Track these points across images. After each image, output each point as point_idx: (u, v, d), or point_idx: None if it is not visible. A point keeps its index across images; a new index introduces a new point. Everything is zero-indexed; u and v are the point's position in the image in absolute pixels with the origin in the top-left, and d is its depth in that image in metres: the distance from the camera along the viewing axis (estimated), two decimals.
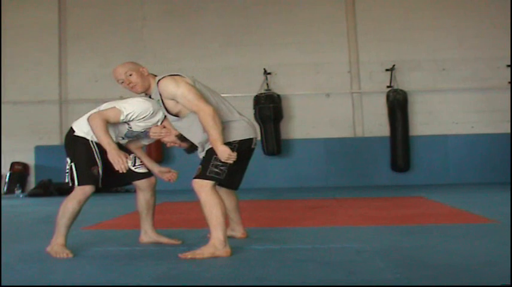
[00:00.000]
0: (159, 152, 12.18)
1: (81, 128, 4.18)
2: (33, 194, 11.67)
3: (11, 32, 13.66)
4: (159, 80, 4.08)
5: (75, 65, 13.58)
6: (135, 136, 4.38)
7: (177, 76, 4.09)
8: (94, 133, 4.04)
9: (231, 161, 3.89)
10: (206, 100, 3.97)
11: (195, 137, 4.20)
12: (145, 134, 4.36)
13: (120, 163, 3.90)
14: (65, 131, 4.31)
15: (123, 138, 4.32)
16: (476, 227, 5.20)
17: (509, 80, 12.43)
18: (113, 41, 13.36)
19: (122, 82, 4.19)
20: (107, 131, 4.01)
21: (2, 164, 13.27)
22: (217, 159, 3.96)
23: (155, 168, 4.62)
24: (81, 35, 13.60)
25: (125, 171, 3.98)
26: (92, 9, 13.70)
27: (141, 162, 4.40)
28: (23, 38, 13.65)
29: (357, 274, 3.23)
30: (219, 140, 3.86)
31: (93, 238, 4.88)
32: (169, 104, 4.07)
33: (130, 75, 4.15)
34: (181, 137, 4.29)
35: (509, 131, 12.24)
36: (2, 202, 10.36)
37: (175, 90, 3.98)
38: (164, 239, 4.47)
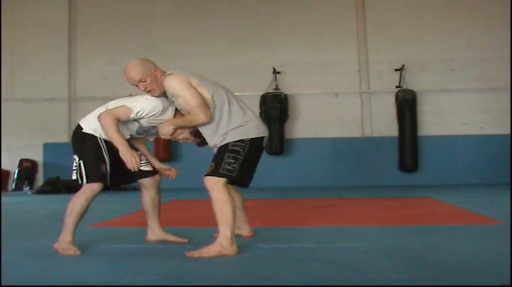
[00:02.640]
0: (167, 150, 12.22)
1: (89, 125, 4.18)
2: (41, 191, 11.71)
3: (21, 29, 13.75)
4: (166, 77, 4.09)
5: (84, 63, 13.64)
6: (145, 131, 4.38)
7: (183, 75, 4.09)
8: (105, 132, 4.05)
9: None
10: (207, 109, 4.00)
11: (213, 138, 4.17)
12: (155, 129, 4.36)
13: (132, 161, 3.90)
14: (74, 128, 4.31)
15: (131, 136, 4.32)
16: (484, 227, 5.18)
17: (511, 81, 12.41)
18: (122, 40, 13.39)
19: (137, 85, 4.18)
20: (119, 130, 4.01)
21: (11, 161, 13.32)
22: (229, 157, 3.96)
23: (156, 164, 4.60)
24: (91, 33, 13.66)
25: (136, 170, 3.99)
26: (102, 8, 13.76)
27: (146, 159, 4.41)
28: (32, 36, 13.74)
29: (363, 273, 3.23)
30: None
31: (100, 236, 4.90)
32: (179, 102, 4.09)
33: (145, 81, 4.11)
34: (195, 133, 4.27)
35: None
36: (10, 198, 10.42)
37: (177, 89, 4.02)
38: (171, 237, 4.48)
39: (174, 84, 4.03)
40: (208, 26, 13.34)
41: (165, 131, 4.10)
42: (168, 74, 4.11)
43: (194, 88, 4.01)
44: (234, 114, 4.09)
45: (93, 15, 13.78)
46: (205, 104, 4.00)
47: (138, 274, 3.31)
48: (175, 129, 4.13)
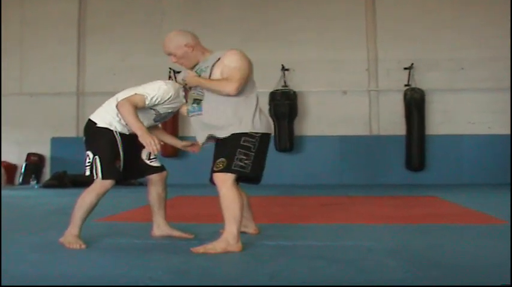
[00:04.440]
0: (174, 147, 12.20)
1: (103, 119, 4.19)
2: (47, 185, 11.74)
3: (30, 23, 13.78)
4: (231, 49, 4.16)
5: (93, 58, 13.65)
6: (162, 118, 4.42)
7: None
8: (124, 119, 4.04)
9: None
10: (241, 87, 4.01)
11: (219, 117, 4.10)
12: (170, 115, 4.42)
13: (152, 144, 3.86)
14: (82, 123, 4.33)
15: (149, 125, 4.33)
16: (489, 228, 5.18)
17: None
18: (131, 35, 13.38)
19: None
20: (137, 116, 4.00)
21: (18, 155, 13.37)
22: (241, 153, 3.94)
23: (178, 143, 4.72)
24: (100, 28, 13.66)
25: (156, 153, 3.98)
26: (112, 2, 13.78)
27: (155, 156, 4.41)
28: (42, 30, 13.76)
29: (368, 272, 3.23)
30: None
31: (106, 230, 4.92)
32: (216, 72, 4.06)
33: (175, 55, 4.19)
34: None
35: None
36: (17, 192, 10.47)
37: (236, 61, 4.06)
38: (177, 233, 4.49)
39: (240, 56, 4.09)
40: (218, 22, 13.29)
41: (192, 82, 4.14)
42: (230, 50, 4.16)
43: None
44: (253, 102, 4.16)
45: (103, 10, 13.78)
46: (245, 82, 4.04)
47: (143, 269, 3.32)
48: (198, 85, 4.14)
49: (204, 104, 4.10)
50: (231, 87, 3.94)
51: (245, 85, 4.06)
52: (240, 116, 4.04)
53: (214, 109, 4.07)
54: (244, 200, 4.43)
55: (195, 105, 4.16)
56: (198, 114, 4.14)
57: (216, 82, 4.00)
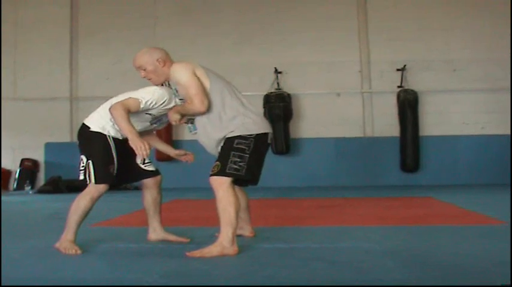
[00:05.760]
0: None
1: (97, 123, 4.18)
2: (42, 191, 11.67)
3: (24, 28, 13.74)
4: (173, 65, 4.17)
5: (86, 62, 13.62)
6: (159, 121, 4.41)
7: (189, 64, 4.14)
8: (116, 122, 4.03)
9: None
10: (204, 98, 3.99)
11: (212, 134, 4.14)
12: (167, 117, 4.38)
13: (142, 148, 3.84)
14: (76, 128, 4.32)
15: (145, 128, 4.34)
16: (486, 228, 5.17)
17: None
18: (125, 39, 13.32)
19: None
20: (129, 120, 3.98)
21: (12, 161, 13.33)
22: (235, 155, 3.94)
23: (171, 151, 4.66)
24: (93, 32, 13.63)
25: (146, 157, 3.99)
26: (104, 6, 13.74)
27: (149, 160, 4.39)
28: (35, 34, 13.71)
29: (366, 273, 3.22)
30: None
31: (102, 235, 4.90)
32: (181, 92, 4.11)
33: (144, 69, 4.22)
34: None
35: None
36: (12, 198, 10.42)
37: (180, 77, 4.05)
38: (173, 237, 4.47)
39: (178, 71, 4.07)
40: (212, 25, 13.29)
41: (174, 118, 4.15)
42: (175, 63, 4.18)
43: (197, 78, 4.04)
44: (232, 108, 4.08)
45: (95, 14, 13.75)
46: (203, 93, 4.00)
47: (139, 273, 3.30)
48: (182, 115, 4.16)
49: (196, 122, 4.21)
50: (197, 106, 4.00)
51: (215, 93, 4.07)
52: (226, 122, 4.04)
53: (205, 124, 4.13)
54: (243, 202, 4.43)
55: (190, 125, 4.26)
56: (196, 133, 4.24)
57: (186, 107, 4.08)
